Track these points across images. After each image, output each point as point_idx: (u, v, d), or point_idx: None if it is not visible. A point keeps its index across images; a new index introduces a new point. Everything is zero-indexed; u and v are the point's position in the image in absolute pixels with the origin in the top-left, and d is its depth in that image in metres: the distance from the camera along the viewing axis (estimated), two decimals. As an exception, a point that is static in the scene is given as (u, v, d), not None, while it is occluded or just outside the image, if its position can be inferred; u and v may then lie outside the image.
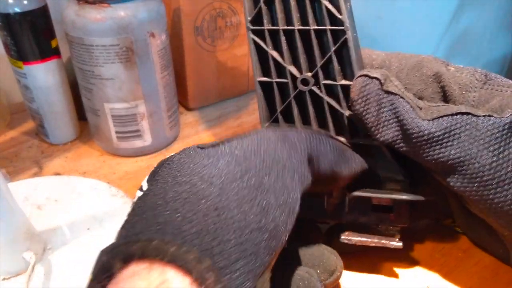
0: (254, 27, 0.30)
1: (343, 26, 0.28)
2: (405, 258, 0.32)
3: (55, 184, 0.37)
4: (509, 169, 0.24)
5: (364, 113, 0.27)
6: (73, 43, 0.38)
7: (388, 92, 0.26)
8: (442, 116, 0.25)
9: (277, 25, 0.29)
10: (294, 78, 0.29)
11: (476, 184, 0.24)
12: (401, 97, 0.26)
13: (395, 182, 0.28)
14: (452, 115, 0.25)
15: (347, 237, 0.29)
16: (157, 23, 0.39)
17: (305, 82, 0.29)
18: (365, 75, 0.27)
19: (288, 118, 0.31)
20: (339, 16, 0.28)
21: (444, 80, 0.28)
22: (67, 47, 0.40)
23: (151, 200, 0.21)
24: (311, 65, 0.29)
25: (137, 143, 0.43)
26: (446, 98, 0.28)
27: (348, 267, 0.31)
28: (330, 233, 0.31)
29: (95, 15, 0.36)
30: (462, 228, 0.31)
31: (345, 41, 0.28)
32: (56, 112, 0.44)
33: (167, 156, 0.25)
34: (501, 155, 0.24)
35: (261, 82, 0.30)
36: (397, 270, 0.31)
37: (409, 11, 0.62)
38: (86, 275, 0.27)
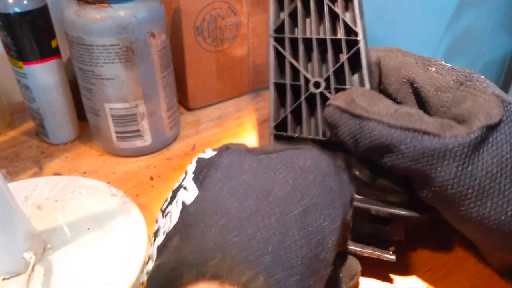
0: (276, 35, 0.34)
1: (357, 37, 0.31)
2: (405, 258, 0.32)
3: (55, 184, 0.37)
4: (470, 185, 0.24)
5: (340, 139, 0.28)
6: (73, 43, 0.38)
7: (353, 115, 0.27)
8: (407, 129, 0.25)
9: (297, 34, 0.33)
10: (306, 82, 0.32)
11: (442, 198, 0.25)
12: (364, 117, 0.26)
13: (395, 194, 0.28)
14: (416, 130, 0.25)
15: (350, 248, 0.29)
16: (157, 23, 0.39)
17: (317, 85, 0.32)
18: (328, 105, 0.29)
19: (297, 120, 0.33)
20: (354, 29, 0.31)
21: (418, 82, 0.28)
22: (67, 47, 0.40)
23: (212, 211, 0.20)
24: (323, 72, 0.33)
25: (137, 143, 0.43)
26: (421, 99, 0.28)
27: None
28: None
29: (95, 15, 0.36)
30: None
31: (358, 50, 0.31)
32: (56, 112, 0.44)
33: (210, 155, 0.24)
34: (464, 171, 0.24)
35: (276, 84, 0.33)
36: (397, 270, 0.31)
37: (409, 11, 0.62)
38: (86, 275, 0.27)
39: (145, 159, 0.44)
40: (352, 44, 0.31)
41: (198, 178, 0.23)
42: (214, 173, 0.23)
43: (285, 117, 0.32)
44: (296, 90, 0.33)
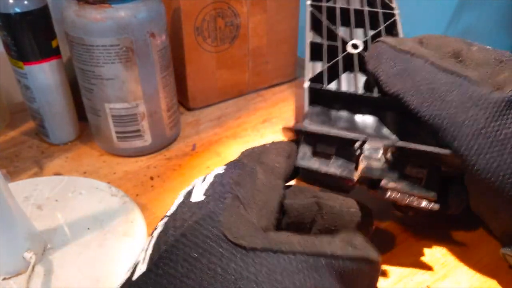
0: (314, 3, 0.37)
1: (393, 10, 0.35)
2: (405, 258, 0.32)
3: (55, 184, 0.37)
4: (495, 138, 0.24)
5: (375, 69, 0.29)
6: (74, 43, 0.38)
7: (401, 50, 0.28)
8: (452, 71, 0.26)
9: (336, 4, 0.36)
10: (343, 44, 0.34)
11: (463, 147, 0.25)
12: (413, 53, 0.27)
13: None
14: (460, 75, 0.26)
15: (388, 186, 0.27)
16: (157, 23, 0.39)
17: (355, 46, 0.33)
18: (379, 41, 0.29)
19: (332, 78, 0.33)
20: (391, 4, 0.35)
21: (462, 55, 0.29)
22: (68, 47, 0.40)
23: None
24: (359, 38, 0.35)
25: (137, 143, 0.43)
26: None
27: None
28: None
29: (95, 15, 0.36)
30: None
31: (394, 22, 0.34)
32: (56, 112, 0.44)
33: (176, 234, 0.20)
34: (492, 124, 0.24)
35: (312, 44, 0.35)
36: (397, 270, 0.31)
37: (409, 11, 0.62)
38: (86, 275, 0.27)
39: (145, 159, 0.44)
40: (388, 17, 0.34)
41: (157, 256, 0.20)
42: (174, 260, 0.19)
43: (321, 73, 0.33)
44: (331, 52, 0.34)
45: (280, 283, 0.18)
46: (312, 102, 0.32)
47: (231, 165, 0.25)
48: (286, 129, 0.32)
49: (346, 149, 0.28)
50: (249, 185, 0.22)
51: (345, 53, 0.33)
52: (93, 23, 0.36)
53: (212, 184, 0.22)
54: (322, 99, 0.32)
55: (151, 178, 0.41)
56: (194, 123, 0.51)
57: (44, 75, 0.42)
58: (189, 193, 0.23)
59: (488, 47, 0.30)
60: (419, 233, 0.34)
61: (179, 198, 0.23)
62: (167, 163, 0.44)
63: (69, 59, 0.44)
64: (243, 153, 0.28)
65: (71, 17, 0.37)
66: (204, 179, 0.24)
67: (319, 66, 0.34)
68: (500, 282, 0.30)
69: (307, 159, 0.28)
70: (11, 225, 0.28)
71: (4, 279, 0.29)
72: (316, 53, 0.34)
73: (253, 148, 0.28)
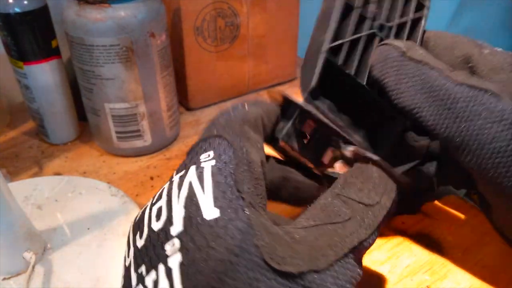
0: None
1: (424, 4, 0.32)
2: (405, 258, 0.32)
3: (55, 184, 0.37)
4: None
5: (382, 78, 0.26)
6: (73, 43, 0.38)
7: (412, 59, 0.25)
8: (470, 85, 0.24)
9: None
10: (372, 21, 0.31)
11: (489, 165, 0.23)
12: (426, 64, 0.25)
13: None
14: (479, 88, 0.23)
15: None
16: (157, 23, 0.39)
17: (381, 28, 0.31)
18: (386, 43, 0.26)
19: (349, 57, 0.30)
20: (423, 3, 0.32)
21: (473, 61, 0.28)
22: (68, 47, 0.40)
23: None
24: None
25: (137, 143, 0.43)
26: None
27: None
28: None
29: (95, 15, 0.36)
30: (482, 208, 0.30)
31: (421, 19, 0.32)
32: (56, 112, 0.44)
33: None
34: None
35: (344, 4, 0.30)
36: (397, 270, 0.31)
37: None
38: (86, 275, 0.27)
39: (145, 159, 0.44)
40: (418, 8, 0.32)
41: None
42: None
43: (341, 45, 0.29)
44: (358, 24, 0.31)
45: None
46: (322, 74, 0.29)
47: (219, 151, 0.21)
48: (275, 94, 0.29)
49: (324, 137, 0.28)
50: (248, 178, 0.20)
51: (370, 31, 0.30)
52: (93, 23, 0.36)
53: (216, 188, 0.19)
54: (328, 75, 0.29)
55: (151, 178, 0.41)
56: (194, 123, 0.51)
57: (44, 75, 0.42)
58: (190, 201, 0.19)
59: (499, 49, 0.28)
60: (419, 233, 0.34)
61: (178, 210, 0.19)
62: (167, 163, 0.44)
63: (69, 59, 0.44)
64: (218, 120, 0.24)
65: (71, 17, 0.37)
66: (200, 176, 0.20)
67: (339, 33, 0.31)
68: (500, 282, 0.30)
69: (286, 134, 0.28)
70: (11, 225, 0.28)
71: (4, 279, 0.29)
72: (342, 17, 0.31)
73: (229, 112, 0.24)
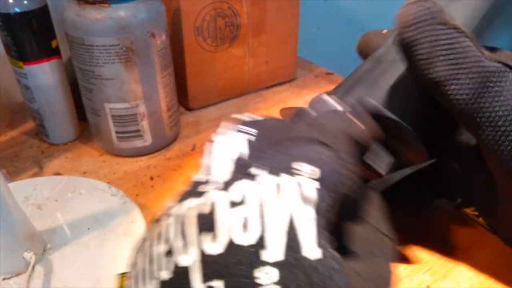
0: None
1: None
2: (405, 258, 0.32)
3: (55, 184, 0.37)
4: None
5: (416, 42, 0.23)
6: (73, 43, 0.38)
7: (445, 24, 0.23)
8: (498, 61, 0.22)
9: None
10: None
11: (501, 138, 0.22)
12: (460, 32, 0.23)
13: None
14: (503, 64, 0.22)
15: None
16: (157, 23, 0.39)
17: None
18: (419, 1, 0.23)
19: None
20: None
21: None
22: (68, 47, 0.40)
23: None
24: None
25: (137, 143, 0.43)
26: None
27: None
28: None
29: (95, 15, 0.36)
30: (482, 213, 0.30)
31: None
32: (56, 112, 0.44)
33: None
34: None
35: None
36: (396, 270, 0.31)
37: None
38: (86, 275, 0.27)
39: (145, 159, 0.44)
40: None
41: None
42: None
43: None
44: None
45: None
46: None
47: (321, 162, 0.18)
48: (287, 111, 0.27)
49: None
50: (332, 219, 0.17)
51: None
52: (93, 23, 0.36)
53: (319, 223, 0.16)
54: None
55: (151, 178, 0.41)
56: (194, 123, 0.51)
57: (44, 75, 0.42)
58: (291, 228, 0.16)
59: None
60: (419, 233, 0.34)
61: (277, 234, 0.16)
62: (167, 163, 0.44)
63: (69, 59, 0.44)
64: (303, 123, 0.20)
65: (71, 17, 0.37)
66: (305, 199, 0.17)
67: None
68: (500, 282, 0.30)
69: None
70: (11, 225, 0.28)
71: (4, 279, 0.29)
72: None
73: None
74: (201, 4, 0.47)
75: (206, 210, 0.16)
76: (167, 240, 0.16)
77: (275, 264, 0.15)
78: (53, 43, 0.42)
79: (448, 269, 0.31)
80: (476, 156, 0.29)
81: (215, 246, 0.15)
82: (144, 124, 0.42)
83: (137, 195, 0.39)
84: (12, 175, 0.42)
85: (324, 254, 0.15)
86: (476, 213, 0.35)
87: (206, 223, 0.16)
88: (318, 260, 0.15)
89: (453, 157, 0.29)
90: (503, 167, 0.24)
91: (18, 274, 0.29)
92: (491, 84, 0.23)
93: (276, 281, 0.15)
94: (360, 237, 0.20)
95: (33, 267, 0.28)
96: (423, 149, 0.26)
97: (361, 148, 0.21)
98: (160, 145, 0.45)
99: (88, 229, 0.33)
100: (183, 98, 0.52)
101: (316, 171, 0.17)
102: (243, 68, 0.54)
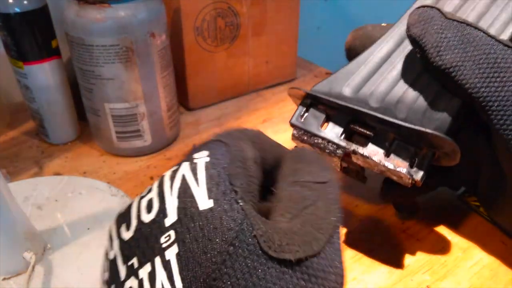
0: None
1: None
2: (405, 258, 0.32)
3: (55, 184, 0.37)
4: None
5: (422, 36, 0.26)
6: (73, 43, 0.38)
7: (452, 19, 0.25)
8: (510, 47, 0.24)
9: None
10: None
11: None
12: (467, 24, 0.25)
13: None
14: None
15: (359, 150, 0.28)
16: (157, 23, 0.39)
17: None
18: (425, 6, 0.26)
19: None
20: None
21: None
22: (68, 47, 0.40)
23: None
24: None
25: (137, 143, 0.43)
26: None
27: (347, 268, 0.31)
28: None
29: (95, 15, 0.36)
30: (483, 204, 0.31)
31: None
32: (56, 112, 0.44)
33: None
34: None
35: None
36: (397, 270, 0.31)
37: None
38: (86, 275, 0.27)
39: (145, 159, 0.44)
40: None
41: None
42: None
43: None
44: None
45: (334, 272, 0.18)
46: None
47: (214, 150, 0.21)
48: (295, 92, 0.31)
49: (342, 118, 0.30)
50: (242, 174, 0.20)
51: None
52: (93, 23, 0.36)
53: (210, 180, 0.19)
54: None
55: (151, 178, 0.41)
56: (194, 123, 0.51)
57: (44, 75, 0.42)
58: (184, 192, 0.19)
59: None
60: (419, 233, 0.34)
61: (172, 201, 0.19)
62: (167, 163, 0.44)
63: (69, 59, 0.44)
64: (217, 133, 0.24)
65: (71, 17, 0.37)
66: (194, 169, 0.20)
67: None
68: (499, 282, 0.30)
69: (302, 121, 0.31)
70: (11, 225, 0.28)
71: (4, 279, 0.29)
72: None
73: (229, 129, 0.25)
74: (201, 4, 0.47)
75: (123, 210, 0.21)
76: (105, 249, 0.20)
77: (171, 226, 0.18)
78: (53, 43, 0.42)
79: (448, 269, 0.31)
80: (482, 147, 0.29)
81: (127, 233, 0.19)
82: (144, 124, 0.42)
83: (137, 195, 0.39)
84: (12, 175, 0.42)
85: (217, 203, 0.18)
86: (478, 203, 0.35)
87: (123, 219, 0.20)
88: (209, 209, 0.18)
89: (460, 147, 0.30)
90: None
91: (18, 274, 0.29)
92: (501, 69, 0.24)
93: (174, 239, 0.17)
94: (284, 198, 0.21)
95: (33, 267, 0.28)
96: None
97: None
98: (160, 145, 0.45)
99: (88, 229, 0.33)
100: (183, 98, 0.52)
101: (205, 152, 0.21)
102: (243, 68, 0.54)
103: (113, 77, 0.39)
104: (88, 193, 0.36)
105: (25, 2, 0.39)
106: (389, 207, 0.36)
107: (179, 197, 0.19)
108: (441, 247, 0.33)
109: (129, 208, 0.20)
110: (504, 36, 0.28)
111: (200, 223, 0.17)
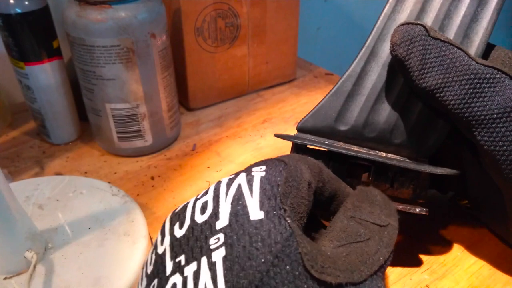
0: None
1: None
2: (404, 258, 0.32)
3: (56, 183, 0.37)
4: None
5: (407, 57, 0.26)
6: (74, 44, 0.39)
7: (435, 38, 0.25)
8: (490, 66, 0.24)
9: None
10: None
11: (504, 143, 0.24)
12: (450, 43, 0.25)
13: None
14: (496, 69, 0.24)
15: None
16: (157, 24, 0.39)
17: None
18: (408, 23, 0.26)
19: None
20: None
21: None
22: (69, 47, 0.40)
23: None
24: None
25: (138, 143, 0.43)
26: None
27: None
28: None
29: (96, 16, 0.37)
30: (473, 205, 0.31)
31: None
32: (57, 112, 0.45)
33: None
34: None
35: None
36: (396, 269, 0.31)
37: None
38: (87, 274, 0.27)
39: (146, 159, 0.44)
40: None
41: None
42: None
43: None
44: None
45: None
46: None
47: (272, 167, 0.21)
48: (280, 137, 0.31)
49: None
50: (294, 194, 0.20)
51: None
52: (93, 24, 0.37)
53: (263, 193, 0.19)
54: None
55: (152, 178, 0.42)
56: (194, 123, 0.51)
57: (45, 75, 0.42)
58: (238, 200, 0.19)
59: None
60: (419, 233, 0.34)
61: (225, 206, 0.19)
62: (168, 163, 0.44)
63: (70, 60, 0.45)
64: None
65: (72, 18, 0.37)
66: (250, 181, 0.20)
67: None
68: (498, 282, 0.30)
69: None
70: (12, 224, 0.28)
71: (6, 278, 0.29)
72: None
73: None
74: (201, 5, 0.47)
75: (178, 209, 0.22)
76: (155, 243, 0.21)
77: (222, 229, 0.18)
78: (54, 44, 0.42)
79: (447, 268, 0.31)
80: (470, 153, 0.29)
81: (180, 231, 0.20)
82: (145, 124, 0.43)
83: (138, 195, 0.39)
84: (14, 175, 0.42)
85: (267, 216, 0.18)
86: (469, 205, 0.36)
87: (177, 217, 0.21)
88: (259, 220, 0.18)
89: (449, 153, 0.30)
90: (498, 168, 0.25)
91: (19, 274, 0.29)
92: (483, 89, 0.24)
93: (222, 242, 0.18)
94: (338, 228, 0.22)
95: (34, 267, 0.28)
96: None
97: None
98: (161, 145, 0.45)
99: (89, 228, 0.33)
100: (184, 98, 0.53)
101: (263, 167, 0.21)
102: (243, 68, 0.54)
103: (114, 78, 0.39)
104: (89, 193, 0.36)
105: (26, 2, 0.39)
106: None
107: (232, 203, 0.19)
108: (440, 246, 0.33)
109: (184, 207, 0.21)
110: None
111: (250, 231, 0.18)
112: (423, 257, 0.32)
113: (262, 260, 0.17)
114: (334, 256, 0.19)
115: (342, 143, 0.30)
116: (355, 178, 0.30)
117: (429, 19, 0.29)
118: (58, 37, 0.43)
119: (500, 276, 0.31)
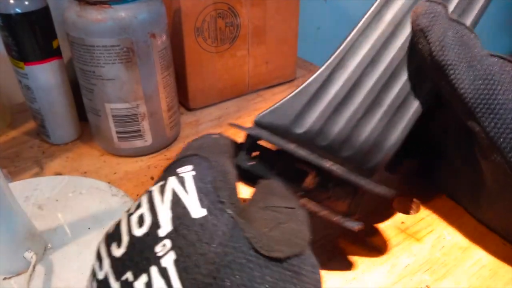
0: None
1: None
2: (405, 257, 0.32)
3: (56, 184, 0.37)
4: None
5: (429, 28, 0.27)
6: (74, 44, 0.39)
7: (455, 20, 0.27)
8: (503, 57, 0.26)
9: None
10: None
11: (503, 126, 0.25)
12: (468, 28, 0.26)
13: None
14: (505, 59, 0.26)
15: (303, 202, 0.29)
16: (157, 24, 0.39)
17: None
18: (432, 0, 0.28)
19: None
20: None
21: None
22: (68, 47, 0.40)
23: None
24: None
25: (138, 143, 0.43)
26: None
27: (346, 267, 0.31)
28: None
29: (96, 16, 0.36)
30: (466, 204, 0.34)
31: None
32: (57, 112, 0.45)
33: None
34: None
35: None
36: (396, 269, 0.31)
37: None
38: (86, 274, 0.27)
39: (146, 159, 0.44)
40: None
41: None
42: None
43: None
44: None
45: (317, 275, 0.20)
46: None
47: (197, 165, 0.22)
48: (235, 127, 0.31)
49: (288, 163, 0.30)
50: (225, 187, 0.21)
51: None
52: (93, 24, 0.37)
53: (200, 191, 0.20)
54: None
55: (152, 178, 0.42)
56: (194, 123, 0.51)
57: (45, 75, 0.42)
58: (176, 204, 0.20)
59: None
60: (419, 233, 0.34)
61: (164, 213, 0.19)
62: (168, 163, 0.44)
63: (70, 60, 0.45)
64: (191, 145, 0.26)
65: (72, 18, 0.37)
66: (182, 183, 0.21)
67: None
68: (499, 282, 0.30)
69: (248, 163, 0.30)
70: (11, 225, 0.28)
71: (5, 278, 0.29)
72: None
73: (200, 139, 0.27)
74: (201, 5, 0.47)
75: (111, 229, 0.21)
76: (92, 271, 0.21)
77: (167, 236, 0.18)
78: (54, 44, 0.42)
79: (448, 268, 0.31)
80: (463, 155, 0.30)
81: (119, 250, 0.19)
82: (145, 124, 0.42)
83: (137, 195, 0.39)
84: (13, 175, 0.42)
85: (209, 211, 0.19)
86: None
87: (112, 238, 0.20)
88: (203, 217, 0.19)
89: (440, 155, 0.31)
90: (500, 153, 0.26)
91: (18, 274, 0.29)
92: (492, 77, 0.25)
93: (170, 247, 0.18)
94: (258, 219, 0.22)
95: (34, 267, 0.28)
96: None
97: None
98: (161, 145, 0.45)
99: (89, 229, 0.33)
100: (184, 98, 0.53)
101: (190, 167, 0.22)
102: (243, 68, 0.54)
103: (114, 78, 0.39)
104: (88, 193, 0.36)
105: (26, 2, 0.39)
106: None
107: (171, 208, 0.19)
108: (441, 246, 0.33)
109: (117, 226, 0.21)
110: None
111: (195, 229, 0.19)
112: (423, 257, 0.32)
113: (214, 253, 0.18)
114: (273, 236, 0.20)
115: (293, 146, 0.29)
116: (298, 182, 0.29)
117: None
118: (58, 37, 0.42)
119: (501, 277, 0.31)
